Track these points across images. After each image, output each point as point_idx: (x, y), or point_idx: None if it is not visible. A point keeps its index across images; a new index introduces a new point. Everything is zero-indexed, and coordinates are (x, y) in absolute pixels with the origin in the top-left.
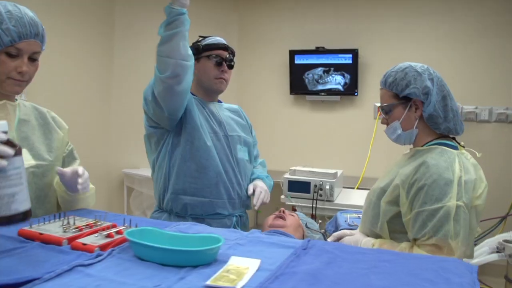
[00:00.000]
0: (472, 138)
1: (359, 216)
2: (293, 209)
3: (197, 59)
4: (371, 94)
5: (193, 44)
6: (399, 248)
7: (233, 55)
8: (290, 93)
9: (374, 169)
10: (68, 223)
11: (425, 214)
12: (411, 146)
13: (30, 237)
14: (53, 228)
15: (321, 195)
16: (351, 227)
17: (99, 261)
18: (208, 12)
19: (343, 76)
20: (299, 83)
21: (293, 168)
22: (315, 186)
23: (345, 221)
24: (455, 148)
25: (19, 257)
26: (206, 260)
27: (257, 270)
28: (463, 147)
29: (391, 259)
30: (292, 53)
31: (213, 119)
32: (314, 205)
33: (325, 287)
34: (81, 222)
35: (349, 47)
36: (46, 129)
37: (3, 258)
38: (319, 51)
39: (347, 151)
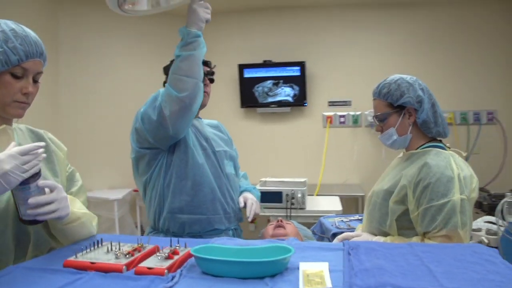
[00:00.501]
0: None
1: (342, 220)
2: (268, 220)
3: None
4: (320, 103)
5: (170, 60)
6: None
7: (213, 69)
8: (241, 107)
9: (329, 175)
10: (112, 249)
11: (434, 209)
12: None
13: (81, 268)
14: (102, 256)
15: (293, 204)
16: (342, 230)
17: (175, 283)
18: (158, 27)
19: (292, 87)
20: (249, 96)
21: (263, 179)
22: (287, 195)
23: (332, 225)
24: (445, 149)
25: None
26: (281, 269)
27: (330, 272)
28: (449, 147)
29: (428, 249)
30: (241, 67)
31: (201, 136)
32: (289, 214)
33: (402, 277)
34: (127, 247)
35: (296, 60)
36: (47, 152)
37: None
38: (267, 64)
39: (300, 160)
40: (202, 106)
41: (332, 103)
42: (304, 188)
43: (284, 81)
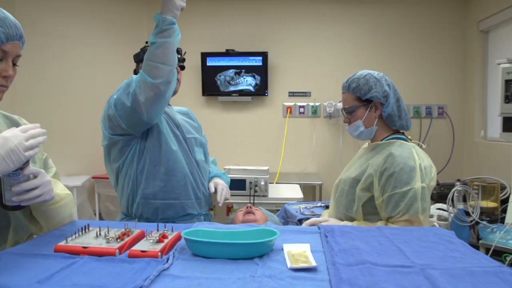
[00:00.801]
0: None
1: (306, 207)
2: (229, 206)
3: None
4: (281, 94)
5: (141, 48)
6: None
7: (184, 57)
8: (203, 95)
9: (288, 164)
10: (101, 234)
11: (397, 196)
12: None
13: (73, 252)
14: (92, 241)
15: (256, 191)
16: (307, 216)
17: (170, 264)
18: (120, 12)
19: (254, 77)
20: (211, 85)
21: (227, 167)
22: (250, 183)
23: (297, 211)
24: (407, 141)
25: (83, 273)
26: (267, 250)
27: (312, 252)
28: (410, 139)
29: (396, 232)
30: (204, 55)
31: (172, 123)
32: (252, 201)
33: (377, 255)
34: (115, 232)
35: (259, 50)
36: None
37: (66, 277)
38: (229, 53)
39: (261, 148)
40: (174, 93)
41: (292, 94)
42: (267, 176)
43: (246, 70)
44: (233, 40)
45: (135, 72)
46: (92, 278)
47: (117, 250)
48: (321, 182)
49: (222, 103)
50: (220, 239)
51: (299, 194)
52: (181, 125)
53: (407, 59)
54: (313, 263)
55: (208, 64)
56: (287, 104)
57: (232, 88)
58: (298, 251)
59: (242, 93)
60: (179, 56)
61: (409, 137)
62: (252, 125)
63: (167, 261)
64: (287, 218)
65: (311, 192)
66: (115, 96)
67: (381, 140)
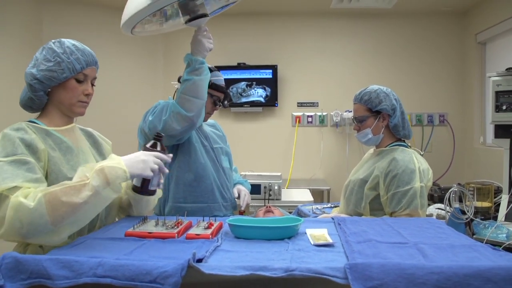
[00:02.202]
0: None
1: (317, 207)
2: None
3: None
4: (290, 104)
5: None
6: None
7: (230, 99)
8: None
9: (297, 171)
10: (158, 223)
11: (400, 194)
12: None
13: (141, 236)
14: (153, 228)
15: (270, 195)
16: (318, 215)
17: (221, 243)
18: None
19: (264, 89)
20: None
21: (243, 173)
22: (265, 187)
23: (309, 211)
24: (408, 147)
25: (154, 250)
26: (294, 233)
27: (329, 235)
28: (410, 146)
29: (396, 221)
30: (218, 69)
31: (201, 134)
32: (267, 204)
33: (380, 236)
34: (170, 222)
35: (269, 63)
36: (99, 146)
37: (143, 252)
38: (241, 67)
39: (272, 156)
40: (204, 120)
41: (301, 104)
42: (280, 181)
43: (257, 83)
44: (244, 54)
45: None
46: (163, 253)
47: (176, 234)
48: (329, 187)
49: (235, 113)
50: (258, 224)
51: (310, 197)
52: (209, 136)
53: (409, 70)
54: (331, 240)
55: None
56: (296, 114)
57: (244, 100)
58: (318, 233)
59: (253, 104)
60: (223, 96)
61: (409, 144)
62: (263, 134)
63: (217, 241)
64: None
65: (319, 196)
66: (150, 118)
67: (386, 147)
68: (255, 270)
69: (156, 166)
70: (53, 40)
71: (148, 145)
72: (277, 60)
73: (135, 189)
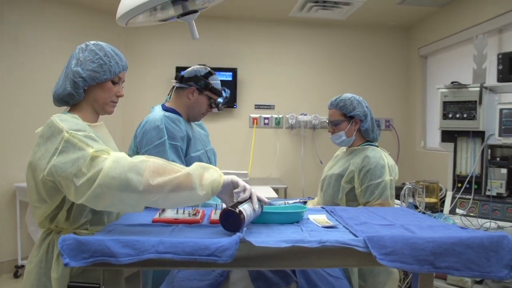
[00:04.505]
0: (326, 141)
1: (288, 202)
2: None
3: (198, 89)
4: (248, 107)
5: (202, 75)
6: None
7: (224, 101)
8: None
9: (255, 170)
10: (178, 211)
11: (373, 186)
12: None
13: (168, 222)
14: (176, 215)
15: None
16: None
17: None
18: (95, 27)
19: (224, 91)
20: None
21: None
22: None
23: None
24: (376, 147)
25: (187, 232)
26: (300, 218)
27: (328, 219)
28: (377, 146)
29: (377, 209)
30: (179, 69)
31: (196, 137)
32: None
33: (370, 220)
34: (188, 210)
35: (229, 66)
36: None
37: (177, 235)
38: None
39: (230, 156)
40: (197, 121)
41: (258, 106)
42: (248, 179)
43: None
44: (205, 57)
45: (171, 91)
46: (196, 235)
47: (200, 220)
48: (286, 186)
49: None
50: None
51: (274, 194)
52: (201, 139)
53: (358, 78)
54: (334, 223)
55: None
56: (253, 115)
57: None
58: (320, 218)
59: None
60: (219, 100)
61: (377, 144)
62: (222, 135)
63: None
64: None
65: (277, 194)
66: (146, 148)
67: (357, 146)
68: (295, 242)
69: (249, 186)
70: (92, 42)
71: None
72: (237, 64)
73: (223, 210)
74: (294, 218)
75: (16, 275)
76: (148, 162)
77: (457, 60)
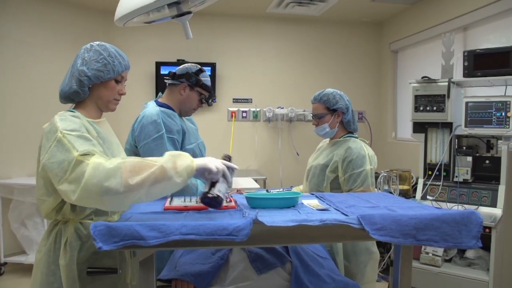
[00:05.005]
0: (302, 133)
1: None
2: None
3: (189, 85)
4: (227, 101)
5: (193, 72)
6: None
7: (213, 97)
8: None
9: (234, 161)
10: (185, 200)
11: (355, 174)
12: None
13: (179, 209)
14: (185, 203)
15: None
16: None
17: (246, 211)
18: (75, 21)
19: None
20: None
21: None
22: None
23: None
24: (357, 138)
25: (200, 217)
26: (296, 203)
27: (320, 203)
28: (358, 138)
29: (361, 194)
30: (158, 64)
31: (189, 130)
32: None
33: (357, 203)
34: (194, 198)
35: (208, 61)
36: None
37: (192, 220)
38: (181, 63)
39: (210, 148)
40: (186, 114)
41: (236, 100)
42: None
43: None
44: (184, 51)
45: (163, 89)
46: (211, 219)
47: (208, 207)
48: (265, 177)
49: None
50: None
51: (255, 185)
52: (192, 133)
53: (332, 71)
54: (326, 206)
55: (161, 72)
56: (231, 109)
57: None
58: (312, 203)
59: None
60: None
61: (357, 136)
62: (202, 128)
63: (242, 210)
64: None
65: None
66: (145, 141)
67: (339, 138)
68: (300, 221)
69: (221, 166)
70: (96, 43)
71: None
72: (216, 58)
73: (202, 197)
74: (291, 203)
75: None
76: (125, 163)
77: (426, 55)
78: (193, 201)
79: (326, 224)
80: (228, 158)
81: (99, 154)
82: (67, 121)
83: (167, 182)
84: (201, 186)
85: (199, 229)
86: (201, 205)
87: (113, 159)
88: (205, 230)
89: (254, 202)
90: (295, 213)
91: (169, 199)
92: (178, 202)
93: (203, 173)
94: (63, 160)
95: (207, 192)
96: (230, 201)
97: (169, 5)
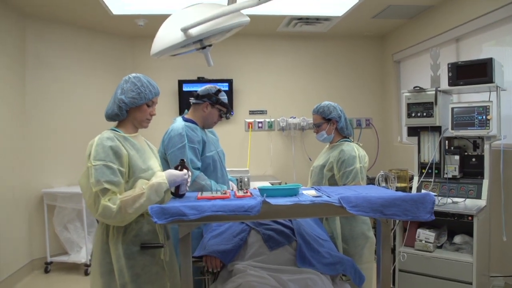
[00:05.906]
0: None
1: None
2: None
3: (211, 104)
4: (243, 113)
5: (213, 93)
6: None
7: (231, 112)
8: (180, 115)
9: (252, 169)
10: (213, 192)
11: (347, 172)
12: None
13: (209, 198)
14: (212, 194)
15: (241, 186)
16: None
17: (261, 199)
18: (103, 45)
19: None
20: (187, 107)
21: None
22: (237, 179)
23: None
24: (351, 142)
25: (225, 203)
26: (297, 193)
27: (316, 193)
28: (352, 141)
29: (355, 187)
30: (181, 82)
31: (209, 141)
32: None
33: (351, 193)
34: (219, 190)
35: (225, 78)
36: (152, 149)
37: (222, 206)
38: (201, 80)
39: (230, 156)
40: (208, 127)
41: (252, 112)
42: (249, 175)
43: None
44: (204, 69)
45: (188, 107)
46: (235, 203)
47: (230, 196)
48: (280, 181)
49: None
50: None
51: None
52: (213, 143)
53: (340, 82)
54: (319, 194)
55: (184, 89)
56: (248, 120)
57: None
58: (310, 192)
59: None
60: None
61: (351, 139)
62: (222, 138)
63: (257, 198)
64: None
65: None
66: (171, 150)
67: (336, 142)
68: (296, 201)
69: (182, 181)
70: (132, 75)
71: (175, 167)
72: (233, 75)
73: (172, 193)
74: (293, 192)
75: (46, 271)
76: (122, 201)
77: (425, 64)
78: (219, 193)
79: (315, 203)
80: (182, 161)
81: (111, 184)
82: (99, 147)
83: (151, 201)
84: (214, 186)
85: (224, 207)
86: (225, 195)
87: (115, 197)
88: (229, 208)
89: (265, 192)
90: (294, 198)
91: (199, 193)
92: (207, 194)
93: (173, 182)
94: (89, 186)
95: (177, 192)
96: (246, 192)
97: (194, 42)
